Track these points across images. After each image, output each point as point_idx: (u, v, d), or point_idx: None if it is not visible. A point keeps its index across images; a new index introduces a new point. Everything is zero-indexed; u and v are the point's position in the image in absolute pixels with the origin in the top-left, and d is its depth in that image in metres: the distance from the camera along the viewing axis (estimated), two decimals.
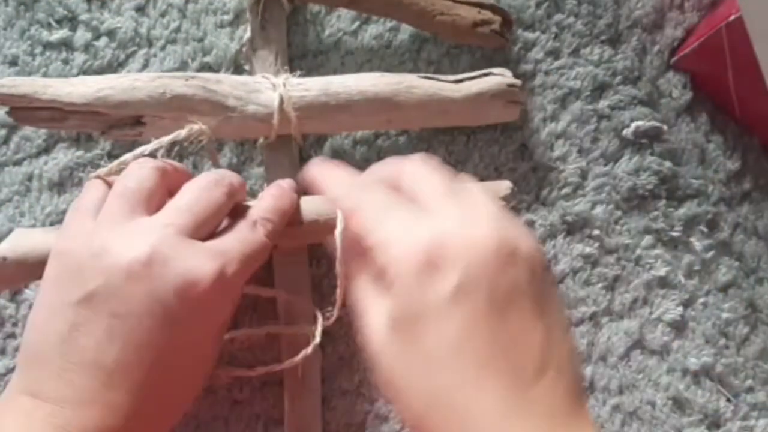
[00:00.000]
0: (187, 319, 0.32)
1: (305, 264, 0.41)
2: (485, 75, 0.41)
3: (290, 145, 0.41)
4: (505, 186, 0.39)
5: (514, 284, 0.28)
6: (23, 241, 0.36)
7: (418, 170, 0.32)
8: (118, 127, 0.37)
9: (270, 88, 0.39)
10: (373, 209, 0.31)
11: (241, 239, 0.34)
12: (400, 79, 0.40)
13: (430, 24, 0.42)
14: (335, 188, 0.34)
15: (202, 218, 0.33)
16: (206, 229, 0.34)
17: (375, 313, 0.30)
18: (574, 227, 0.44)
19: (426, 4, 0.41)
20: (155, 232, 0.32)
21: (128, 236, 0.32)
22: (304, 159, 0.43)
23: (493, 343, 0.27)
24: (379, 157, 0.44)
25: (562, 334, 0.29)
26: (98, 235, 0.32)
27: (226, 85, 0.38)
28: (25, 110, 0.37)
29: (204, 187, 0.35)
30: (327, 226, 0.36)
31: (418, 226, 0.29)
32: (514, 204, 0.43)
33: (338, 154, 0.44)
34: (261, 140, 0.41)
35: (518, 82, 0.41)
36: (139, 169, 0.34)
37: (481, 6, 0.42)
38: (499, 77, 0.41)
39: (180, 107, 0.37)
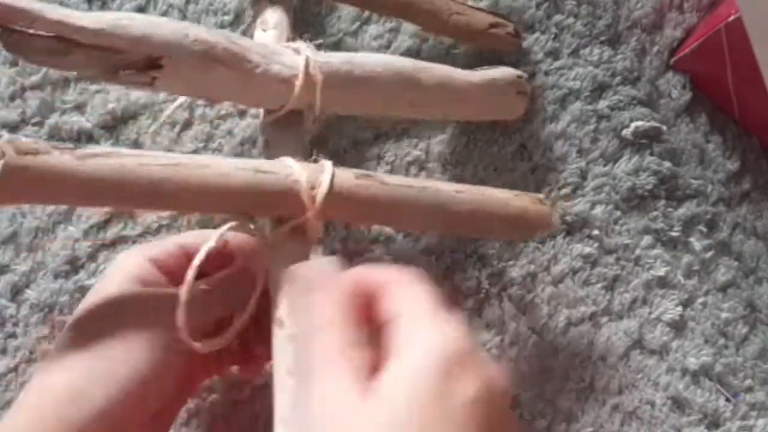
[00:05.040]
0: None
1: None
2: (494, 68, 0.42)
3: (297, 123, 0.38)
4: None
5: None
6: None
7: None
8: (128, 70, 0.32)
9: (293, 53, 0.36)
10: None
11: None
12: (418, 62, 0.39)
13: (445, 25, 0.42)
14: None
15: None
16: None
17: None
18: (574, 227, 0.44)
19: (441, 3, 0.41)
20: None
21: None
22: (313, 145, 0.41)
23: None
24: (379, 157, 0.44)
25: None
26: None
27: (248, 42, 0.36)
28: (21, 35, 0.30)
29: None
30: None
31: None
32: None
33: (338, 155, 0.44)
34: (263, 118, 0.38)
35: (524, 74, 0.42)
36: None
37: (493, 15, 0.43)
38: (509, 68, 0.42)
39: (203, 54, 0.33)
